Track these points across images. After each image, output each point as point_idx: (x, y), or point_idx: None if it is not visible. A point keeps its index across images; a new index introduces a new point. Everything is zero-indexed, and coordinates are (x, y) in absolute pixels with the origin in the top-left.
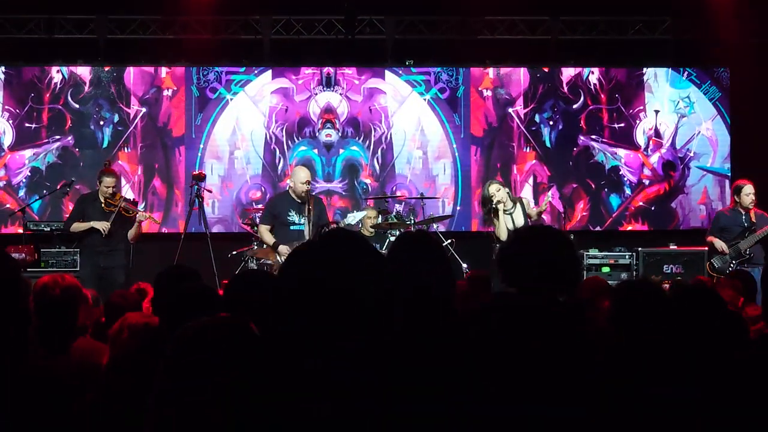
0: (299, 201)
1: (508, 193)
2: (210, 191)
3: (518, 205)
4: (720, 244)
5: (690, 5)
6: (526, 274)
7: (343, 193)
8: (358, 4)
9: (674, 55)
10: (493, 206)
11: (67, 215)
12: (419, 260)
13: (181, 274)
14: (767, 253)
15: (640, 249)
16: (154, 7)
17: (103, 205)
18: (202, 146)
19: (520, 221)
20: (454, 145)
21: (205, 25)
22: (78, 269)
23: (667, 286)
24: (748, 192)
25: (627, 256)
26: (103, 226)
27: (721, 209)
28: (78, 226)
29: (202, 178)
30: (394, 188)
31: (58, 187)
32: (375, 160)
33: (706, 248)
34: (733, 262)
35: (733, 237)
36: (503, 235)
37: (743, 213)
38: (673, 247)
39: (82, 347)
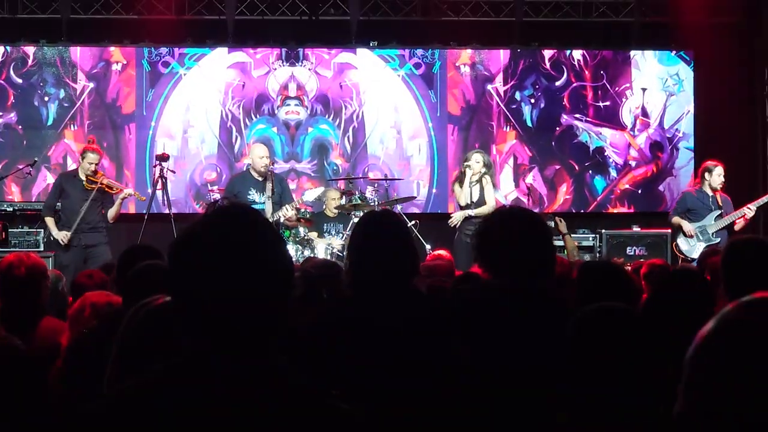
0: (260, 179)
1: (484, 170)
2: (173, 171)
3: (480, 184)
4: (688, 226)
5: None
6: (503, 262)
7: (312, 174)
8: None
9: (638, 37)
10: (462, 170)
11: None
12: (378, 238)
13: (143, 252)
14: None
15: (603, 231)
16: None
17: (84, 182)
18: (153, 124)
19: (474, 197)
20: (430, 124)
21: (169, 5)
22: (42, 249)
23: (630, 268)
24: (720, 173)
25: (590, 239)
26: (61, 236)
27: (686, 189)
28: (48, 223)
29: (165, 158)
30: (366, 169)
31: (21, 167)
32: (346, 139)
33: (669, 230)
34: (700, 244)
35: (700, 218)
36: (462, 201)
37: (710, 195)
38: (636, 229)
39: (47, 326)
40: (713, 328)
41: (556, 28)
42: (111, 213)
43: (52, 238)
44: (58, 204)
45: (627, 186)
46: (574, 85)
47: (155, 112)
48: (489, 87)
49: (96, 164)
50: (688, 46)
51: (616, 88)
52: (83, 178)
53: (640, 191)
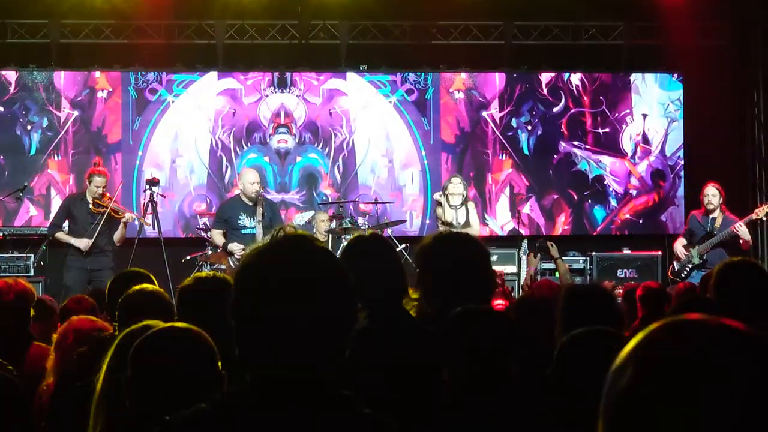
0: (250, 204)
1: (463, 194)
2: (164, 196)
3: (465, 207)
4: (678, 248)
5: (643, 11)
6: (443, 289)
7: (301, 204)
8: (311, 9)
9: (627, 60)
10: (444, 194)
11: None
12: (367, 259)
13: (134, 277)
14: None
15: (594, 253)
16: (108, 11)
17: (91, 205)
18: (140, 153)
19: (461, 220)
20: (423, 152)
21: (159, 30)
22: (32, 274)
23: (621, 291)
24: (706, 193)
25: (581, 261)
26: (83, 244)
27: (693, 211)
28: (61, 237)
29: (155, 183)
30: (357, 199)
31: (9, 194)
32: (336, 168)
33: (659, 252)
34: (688, 266)
35: (697, 241)
36: (447, 217)
37: (709, 216)
38: (626, 251)
39: (36, 352)
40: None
41: (547, 51)
42: (116, 237)
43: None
44: (64, 226)
45: (628, 216)
46: (573, 111)
47: (142, 140)
48: (484, 113)
49: (104, 187)
50: (677, 69)
51: (616, 114)
52: (90, 201)
53: (641, 221)
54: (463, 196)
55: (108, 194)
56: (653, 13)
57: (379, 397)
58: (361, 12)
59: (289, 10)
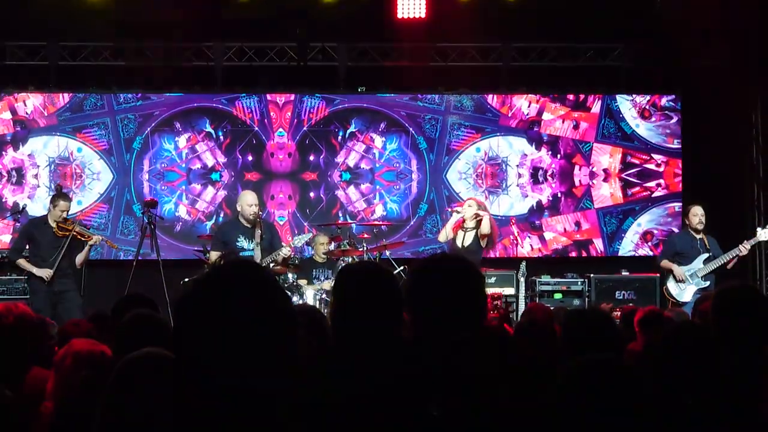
0: (249, 226)
1: (476, 214)
2: (162, 218)
3: (474, 229)
4: (679, 270)
5: (642, 32)
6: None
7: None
8: (310, 31)
9: (626, 82)
10: (455, 212)
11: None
12: (357, 293)
13: (135, 302)
14: (718, 279)
15: (592, 275)
16: (107, 33)
17: (54, 229)
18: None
19: (468, 241)
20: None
21: (158, 52)
22: (29, 297)
23: (618, 313)
24: (696, 213)
25: (579, 283)
26: (45, 274)
27: (673, 233)
28: (22, 264)
29: (154, 205)
30: (353, 221)
31: (8, 216)
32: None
33: (658, 275)
34: (690, 287)
35: (689, 261)
36: (441, 237)
37: (696, 237)
38: (625, 273)
39: (35, 376)
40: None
41: (545, 73)
42: (79, 259)
43: (26, 278)
44: (25, 251)
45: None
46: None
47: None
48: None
49: (67, 211)
50: (675, 90)
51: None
52: (53, 225)
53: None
54: (475, 218)
55: (69, 218)
56: (652, 34)
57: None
58: (360, 34)
59: (288, 32)
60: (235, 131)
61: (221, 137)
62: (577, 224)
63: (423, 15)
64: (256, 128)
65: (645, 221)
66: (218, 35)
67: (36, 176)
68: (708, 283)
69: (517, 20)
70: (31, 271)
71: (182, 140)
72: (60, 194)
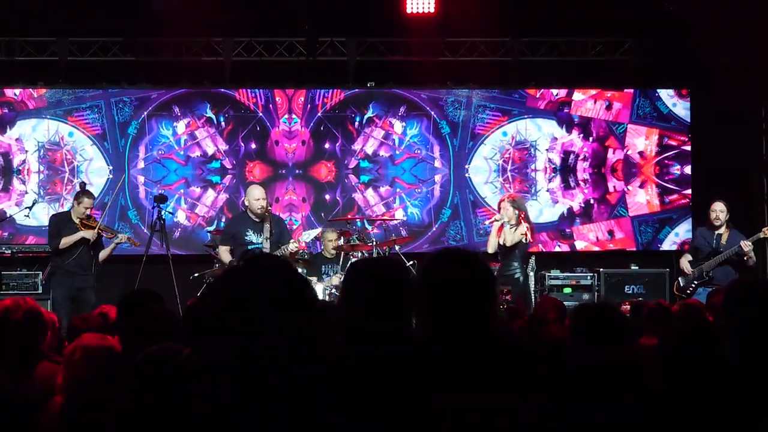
0: (257, 220)
1: (516, 212)
2: (172, 213)
3: (518, 225)
4: (685, 264)
5: (651, 27)
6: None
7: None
8: (319, 26)
9: (635, 77)
10: (494, 221)
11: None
12: (377, 293)
13: (144, 297)
14: (741, 275)
15: (601, 270)
16: (115, 29)
17: (78, 226)
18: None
19: (508, 239)
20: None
21: (167, 47)
22: (40, 292)
23: (627, 307)
24: (713, 209)
25: (588, 277)
26: (91, 234)
27: (700, 227)
28: (67, 241)
29: (164, 200)
30: (363, 216)
31: (19, 211)
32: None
33: (667, 269)
34: (694, 282)
35: (703, 257)
36: (490, 248)
37: (715, 233)
38: (634, 267)
39: (44, 371)
40: None
41: (553, 68)
42: (103, 255)
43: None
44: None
45: None
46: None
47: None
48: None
49: (90, 209)
50: (685, 85)
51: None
52: (77, 221)
53: None
54: (515, 217)
55: (93, 215)
56: (661, 29)
57: None
58: (369, 29)
59: (296, 27)
60: (237, 117)
61: (223, 123)
62: (611, 233)
63: (432, 10)
64: (260, 114)
65: (683, 231)
66: (227, 30)
67: (22, 169)
68: (712, 278)
69: (527, 15)
70: (78, 238)
71: (181, 126)
72: (84, 191)
